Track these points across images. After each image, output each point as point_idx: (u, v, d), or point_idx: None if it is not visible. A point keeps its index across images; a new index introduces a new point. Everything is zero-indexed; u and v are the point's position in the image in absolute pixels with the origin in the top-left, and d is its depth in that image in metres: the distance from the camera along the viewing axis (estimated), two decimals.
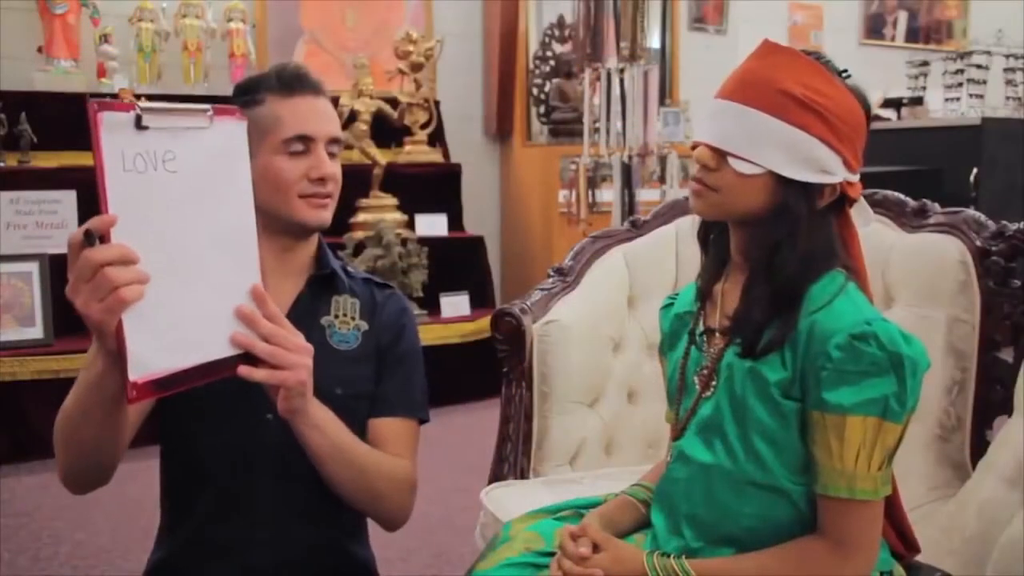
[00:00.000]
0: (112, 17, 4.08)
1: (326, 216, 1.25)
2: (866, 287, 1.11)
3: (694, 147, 1.08)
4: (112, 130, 0.85)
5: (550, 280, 1.86)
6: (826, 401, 0.99)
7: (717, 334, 1.12)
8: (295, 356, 1.02)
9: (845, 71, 1.07)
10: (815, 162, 1.03)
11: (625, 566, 1.07)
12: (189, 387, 0.94)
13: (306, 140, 1.22)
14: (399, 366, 1.31)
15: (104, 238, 0.86)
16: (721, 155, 1.05)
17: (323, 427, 1.13)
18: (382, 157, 4.25)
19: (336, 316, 1.29)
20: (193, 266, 0.93)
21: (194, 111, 0.95)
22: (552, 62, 5.24)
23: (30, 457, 3.11)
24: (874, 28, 6.79)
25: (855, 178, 1.07)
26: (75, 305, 0.87)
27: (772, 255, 1.04)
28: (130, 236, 0.87)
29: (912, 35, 6.93)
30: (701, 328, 1.16)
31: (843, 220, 1.10)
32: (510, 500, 1.58)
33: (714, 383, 1.10)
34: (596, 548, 1.09)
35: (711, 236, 1.18)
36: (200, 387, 1.19)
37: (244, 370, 0.99)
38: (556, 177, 4.67)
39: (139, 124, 0.87)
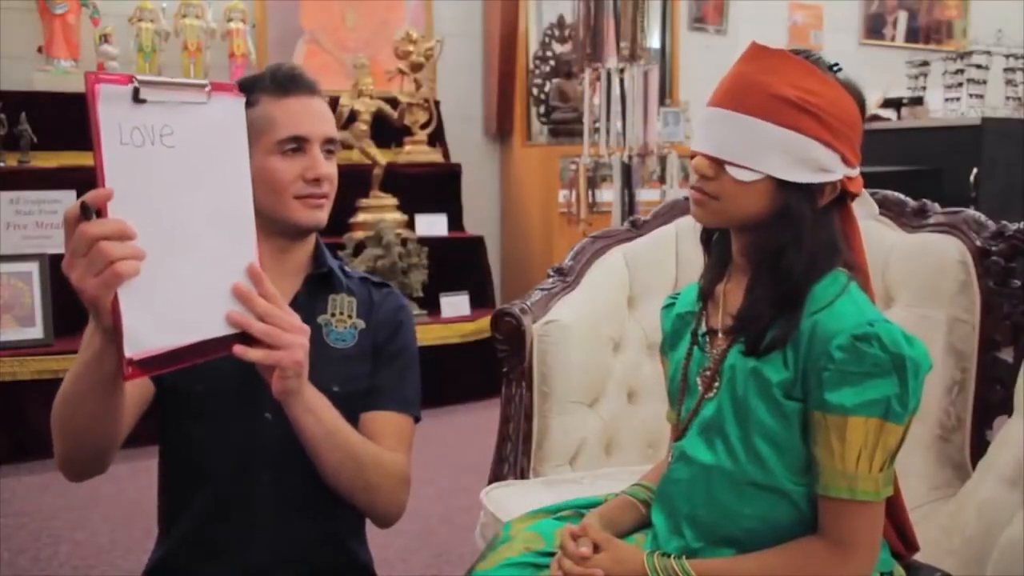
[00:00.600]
0: (112, 17, 4.08)
1: (322, 216, 1.25)
2: (868, 283, 1.11)
3: (693, 156, 1.08)
4: (109, 102, 0.84)
5: (550, 280, 1.86)
6: (828, 402, 0.99)
7: (720, 334, 1.12)
8: (291, 336, 1.02)
9: (836, 65, 1.07)
10: (813, 162, 1.03)
11: (625, 566, 1.07)
12: (185, 365, 0.93)
13: (300, 140, 1.21)
14: (394, 361, 1.31)
15: (101, 212, 0.85)
16: (719, 164, 1.05)
17: (317, 412, 1.12)
18: (382, 157, 4.25)
19: (333, 315, 1.29)
20: (190, 243, 0.93)
21: (192, 85, 0.93)
22: (552, 62, 5.24)
23: (30, 457, 3.10)
24: (874, 28, 6.78)
25: (855, 173, 1.07)
26: (70, 280, 0.86)
27: (777, 258, 1.04)
28: (127, 211, 0.86)
29: (912, 35, 6.92)
30: (704, 328, 1.15)
31: (845, 215, 1.10)
32: (510, 500, 1.58)
33: (717, 384, 1.10)
34: (596, 548, 1.09)
35: (713, 237, 1.18)
36: (199, 386, 1.19)
37: (239, 349, 0.98)
38: (556, 177, 4.67)
39: (137, 97, 0.86)
